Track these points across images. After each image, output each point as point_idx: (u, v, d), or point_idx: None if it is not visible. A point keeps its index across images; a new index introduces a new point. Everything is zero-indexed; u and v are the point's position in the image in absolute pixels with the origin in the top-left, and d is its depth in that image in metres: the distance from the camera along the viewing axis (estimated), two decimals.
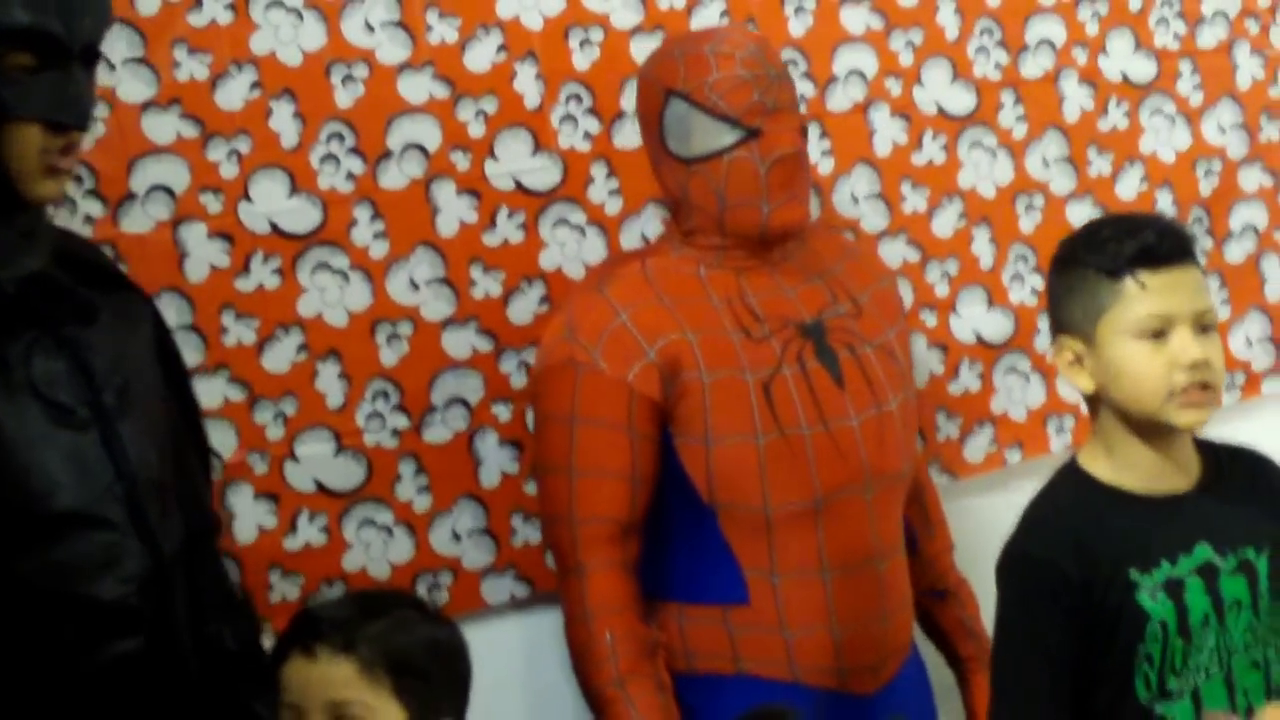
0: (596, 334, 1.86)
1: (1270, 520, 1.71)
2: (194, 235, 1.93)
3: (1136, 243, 1.62)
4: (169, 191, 1.92)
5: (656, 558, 1.92)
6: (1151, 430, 1.66)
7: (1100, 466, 1.71)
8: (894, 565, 1.95)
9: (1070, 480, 1.74)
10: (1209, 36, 2.47)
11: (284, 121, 1.96)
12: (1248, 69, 2.50)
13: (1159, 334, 1.62)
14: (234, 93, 1.94)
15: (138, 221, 1.90)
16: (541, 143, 2.08)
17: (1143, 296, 1.62)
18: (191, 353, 1.93)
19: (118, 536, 1.46)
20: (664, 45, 2.00)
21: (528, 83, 2.07)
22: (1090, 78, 2.40)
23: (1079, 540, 1.66)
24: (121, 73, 1.87)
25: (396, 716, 1.58)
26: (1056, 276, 1.71)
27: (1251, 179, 2.51)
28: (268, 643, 1.71)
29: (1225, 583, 1.66)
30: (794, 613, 1.88)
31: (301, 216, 1.97)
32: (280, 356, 1.97)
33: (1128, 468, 1.69)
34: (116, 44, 1.87)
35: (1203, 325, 1.63)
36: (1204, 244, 2.47)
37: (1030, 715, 1.68)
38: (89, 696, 1.45)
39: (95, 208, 1.88)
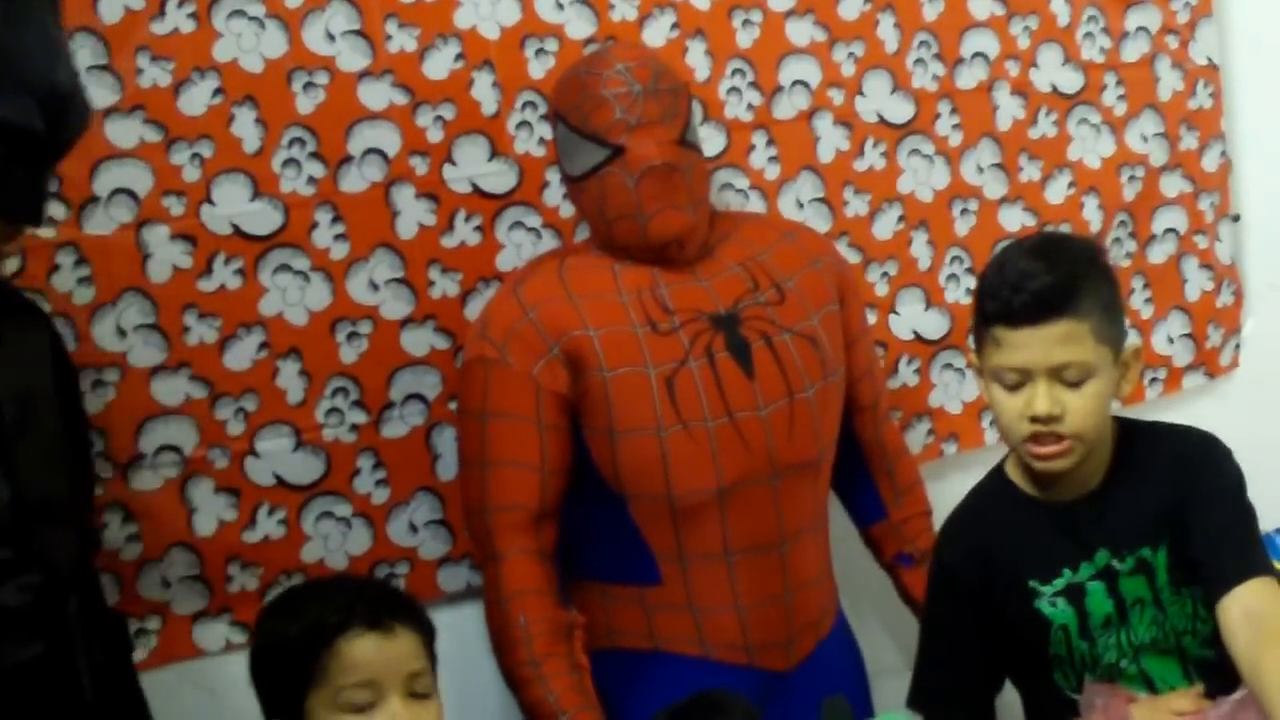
0: (504, 331, 1.80)
1: (1176, 491, 1.64)
2: (157, 237, 1.84)
3: (998, 302, 1.57)
4: (132, 195, 1.82)
5: (580, 540, 1.86)
6: None
7: (1015, 471, 1.70)
8: (801, 546, 1.87)
9: (991, 486, 1.72)
10: (1133, 51, 2.42)
11: (246, 127, 1.87)
12: (1168, 82, 2.44)
13: (1017, 384, 1.58)
14: (196, 99, 1.85)
15: (100, 224, 1.81)
16: (498, 148, 2.00)
17: (999, 350, 1.58)
18: (155, 351, 1.84)
19: (11, 552, 1.38)
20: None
21: (485, 90, 1.99)
22: (1021, 89, 2.34)
23: (984, 549, 1.66)
24: (85, 79, 1.75)
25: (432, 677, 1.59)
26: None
27: (1172, 185, 2.46)
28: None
29: (1125, 583, 1.64)
30: (701, 593, 1.82)
31: (263, 219, 1.88)
32: (242, 355, 1.89)
33: (1033, 474, 1.67)
34: (80, 51, 1.77)
35: (1064, 379, 1.57)
36: (1128, 247, 2.42)
37: (935, 697, 1.70)
38: None
39: (59, 210, 1.79)
